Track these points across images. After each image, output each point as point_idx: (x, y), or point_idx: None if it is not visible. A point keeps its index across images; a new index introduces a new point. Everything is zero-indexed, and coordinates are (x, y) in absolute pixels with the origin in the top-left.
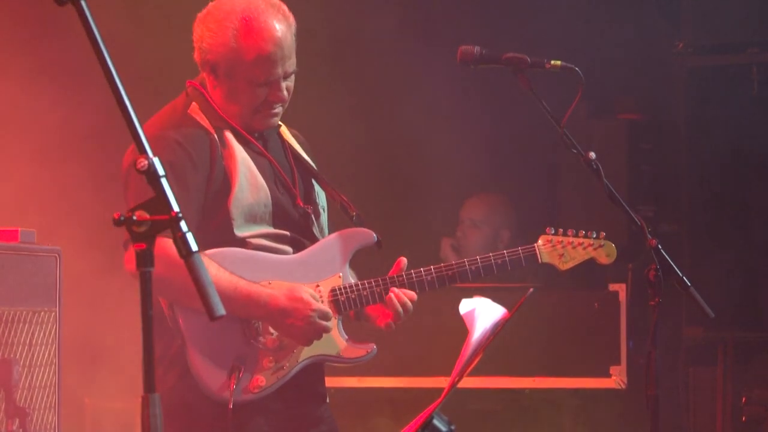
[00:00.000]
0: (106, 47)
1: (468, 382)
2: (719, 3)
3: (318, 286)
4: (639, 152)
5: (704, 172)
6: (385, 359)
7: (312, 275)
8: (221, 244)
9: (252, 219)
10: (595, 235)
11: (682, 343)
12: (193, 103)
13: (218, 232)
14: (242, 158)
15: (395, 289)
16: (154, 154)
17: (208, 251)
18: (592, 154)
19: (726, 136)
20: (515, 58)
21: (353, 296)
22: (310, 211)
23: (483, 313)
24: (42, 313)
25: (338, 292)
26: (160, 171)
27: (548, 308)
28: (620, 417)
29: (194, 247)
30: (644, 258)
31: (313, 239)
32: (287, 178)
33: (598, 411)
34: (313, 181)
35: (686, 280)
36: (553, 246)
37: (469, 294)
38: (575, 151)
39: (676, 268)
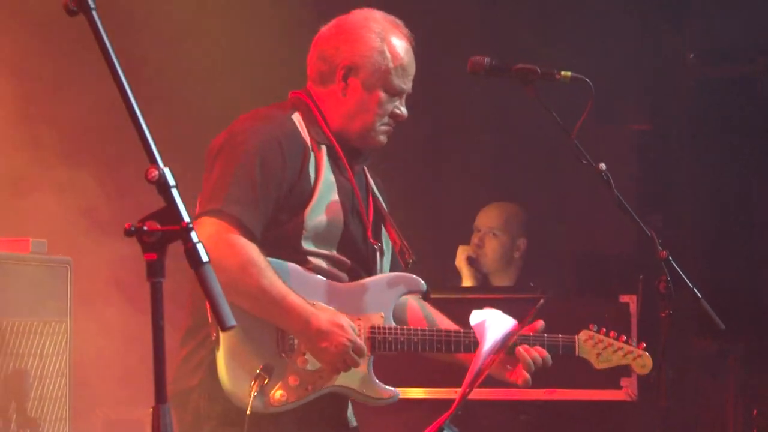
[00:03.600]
0: (116, 57)
1: (478, 394)
2: (728, 14)
3: (359, 319)
4: (648, 162)
5: (713, 181)
6: (396, 371)
7: (356, 308)
8: (284, 250)
9: (320, 237)
10: (635, 344)
11: (693, 354)
12: (297, 112)
13: (285, 238)
14: (328, 177)
15: (525, 346)
16: (250, 145)
17: (270, 258)
18: (603, 165)
19: (734, 146)
20: (525, 68)
21: (390, 338)
22: (377, 247)
23: (493, 325)
24: (53, 323)
25: (377, 330)
26: (171, 181)
27: (558, 319)
28: (631, 429)
29: (205, 257)
30: (655, 269)
31: (372, 275)
32: (363, 211)
33: (608, 423)
34: (381, 224)
35: (697, 292)
36: (594, 344)
37: (480, 305)
38: (585, 161)
39: (686, 280)
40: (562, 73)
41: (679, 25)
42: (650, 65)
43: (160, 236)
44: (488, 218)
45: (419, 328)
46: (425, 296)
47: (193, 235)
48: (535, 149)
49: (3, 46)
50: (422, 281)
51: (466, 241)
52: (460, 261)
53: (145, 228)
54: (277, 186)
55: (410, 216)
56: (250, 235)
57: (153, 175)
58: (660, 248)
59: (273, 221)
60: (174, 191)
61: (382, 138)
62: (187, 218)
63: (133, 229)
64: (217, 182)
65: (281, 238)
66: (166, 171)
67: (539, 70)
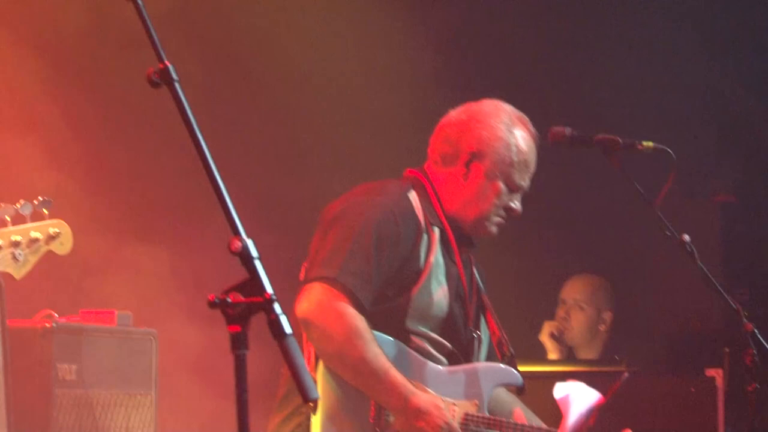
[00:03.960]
0: (200, 130)
1: None
2: None
3: (455, 404)
4: (734, 235)
5: None
6: None
7: (453, 393)
8: (388, 326)
9: (424, 318)
10: None
11: None
12: (413, 191)
13: (391, 314)
14: (438, 259)
15: None
16: (368, 217)
17: (375, 331)
18: (686, 237)
19: None
20: (606, 139)
21: (483, 427)
22: (476, 335)
23: (578, 398)
24: (138, 396)
25: (470, 418)
26: (254, 252)
27: (643, 393)
28: None
29: (288, 329)
30: (741, 342)
31: (470, 362)
32: (467, 298)
33: None
34: (482, 313)
35: None
36: None
37: (564, 378)
38: (669, 233)
39: None
40: (644, 143)
41: (765, 96)
42: (736, 137)
43: (243, 308)
44: (574, 290)
45: (512, 420)
46: (521, 390)
47: (277, 307)
48: (619, 221)
49: (77, 130)
50: (519, 376)
51: (552, 315)
52: (545, 336)
53: (229, 300)
54: (389, 262)
55: (495, 288)
56: (360, 307)
57: (236, 246)
58: (746, 321)
59: (380, 296)
60: (257, 262)
61: (494, 229)
62: (270, 290)
63: (217, 301)
64: (333, 250)
65: (386, 314)
66: (249, 242)
67: (621, 141)
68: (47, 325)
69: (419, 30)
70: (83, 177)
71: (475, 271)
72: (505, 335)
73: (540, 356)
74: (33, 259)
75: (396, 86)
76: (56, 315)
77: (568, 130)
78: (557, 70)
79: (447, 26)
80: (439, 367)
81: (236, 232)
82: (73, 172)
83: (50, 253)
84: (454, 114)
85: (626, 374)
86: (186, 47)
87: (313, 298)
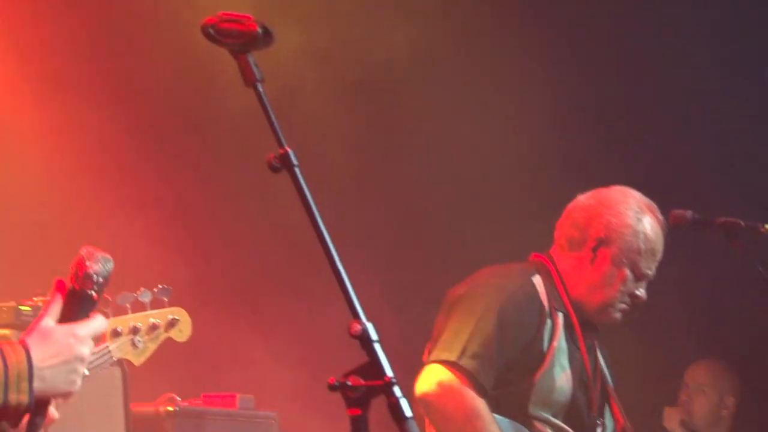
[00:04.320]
0: (320, 214)
1: None
2: None
3: None
4: None
5: None
6: None
7: None
8: (509, 410)
9: (546, 404)
10: None
11: None
12: (538, 275)
13: (513, 398)
14: (562, 344)
15: None
16: (491, 301)
17: (496, 414)
18: None
19: None
20: (728, 222)
21: None
22: (600, 422)
23: None
24: None
25: None
26: (374, 336)
27: None
28: None
29: (408, 413)
30: None
31: None
32: (591, 384)
33: None
34: (606, 400)
35: None
36: None
37: None
38: None
39: None
40: (767, 226)
41: None
42: None
43: (363, 391)
44: (697, 374)
45: None
46: None
47: (397, 390)
48: (743, 304)
49: (189, 214)
50: None
51: (675, 401)
52: (669, 422)
53: (349, 383)
54: (512, 346)
55: (618, 372)
56: (481, 391)
57: (356, 329)
58: None
59: (502, 380)
60: (377, 345)
61: (618, 316)
62: (390, 373)
63: (337, 384)
64: (455, 333)
65: (508, 398)
66: (369, 326)
67: (743, 224)
68: (169, 408)
69: (546, 114)
70: (199, 262)
71: (599, 357)
72: (629, 423)
73: None
74: (152, 346)
75: (521, 170)
76: (178, 398)
77: (689, 214)
78: (682, 154)
79: (572, 108)
80: None
81: (356, 315)
82: (188, 258)
83: (169, 339)
84: (583, 199)
85: None
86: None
87: (433, 379)
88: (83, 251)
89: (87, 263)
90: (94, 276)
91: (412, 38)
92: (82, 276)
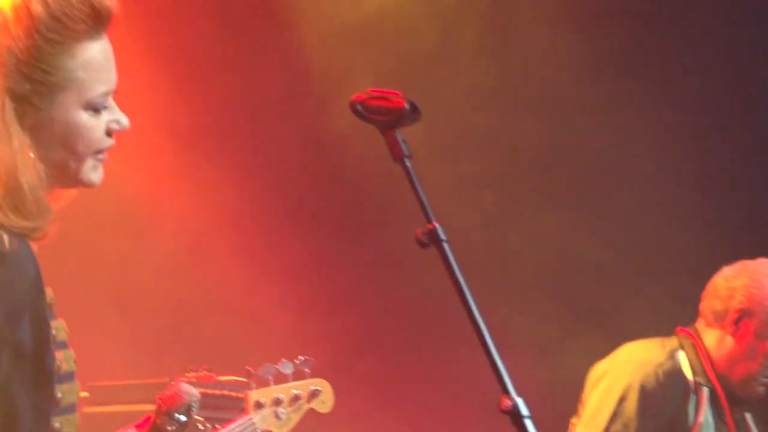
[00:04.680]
0: (469, 289)
1: None
2: None
3: None
4: None
5: None
6: None
7: None
8: None
9: None
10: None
11: None
12: (682, 350)
13: None
14: (708, 419)
15: None
16: (633, 380)
17: None
18: None
19: None
20: None
21: None
22: None
23: None
24: None
25: None
26: (524, 411)
27: None
28: None
29: None
30: None
31: None
32: None
33: None
34: None
35: None
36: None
37: None
38: None
39: None
40: None
41: None
42: None
43: None
44: None
45: None
46: None
47: None
48: None
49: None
50: None
51: None
52: None
53: None
54: (654, 424)
55: None
56: None
57: (506, 405)
58: None
59: None
60: (527, 421)
61: (761, 390)
62: None
63: None
64: (598, 411)
65: None
66: (519, 401)
67: None
68: None
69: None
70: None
71: (753, 431)
72: None
73: None
74: (295, 417)
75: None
76: None
77: None
78: None
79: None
80: None
81: (506, 391)
82: (329, 332)
83: (312, 411)
84: (727, 270)
85: None
86: None
87: None
88: (175, 387)
89: (171, 402)
90: (175, 415)
91: None
92: (164, 413)
